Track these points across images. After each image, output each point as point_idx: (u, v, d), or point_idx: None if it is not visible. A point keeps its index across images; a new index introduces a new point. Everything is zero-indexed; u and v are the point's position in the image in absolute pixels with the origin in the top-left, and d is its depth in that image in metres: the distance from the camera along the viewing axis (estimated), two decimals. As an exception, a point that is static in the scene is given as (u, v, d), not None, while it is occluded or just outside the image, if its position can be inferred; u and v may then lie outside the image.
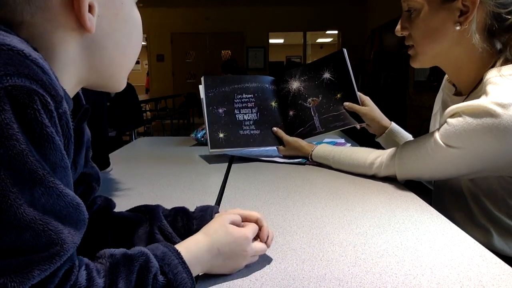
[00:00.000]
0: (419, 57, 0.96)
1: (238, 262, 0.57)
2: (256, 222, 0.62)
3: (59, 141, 0.39)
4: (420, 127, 4.39)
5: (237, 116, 1.36)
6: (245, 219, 0.62)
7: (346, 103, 1.28)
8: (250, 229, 0.59)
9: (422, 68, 1.00)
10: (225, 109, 1.36)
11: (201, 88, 1.37)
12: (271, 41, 9.79)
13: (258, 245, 0.59)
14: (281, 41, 12.38)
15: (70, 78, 0.48)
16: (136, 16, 0.55)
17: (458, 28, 0.87)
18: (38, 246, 0.36)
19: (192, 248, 0.53)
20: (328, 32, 10.05)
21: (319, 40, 12.77)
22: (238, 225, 0.60)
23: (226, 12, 8.98)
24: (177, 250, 0.50)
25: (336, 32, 9.63)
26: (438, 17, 0.89)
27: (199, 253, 0.53)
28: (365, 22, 8.62)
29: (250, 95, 1.39)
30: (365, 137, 1.33)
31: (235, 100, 1.38)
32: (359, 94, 1.29)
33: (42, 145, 0.37)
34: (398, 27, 0.97)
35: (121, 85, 0.57)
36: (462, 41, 0.88)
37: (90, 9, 0.47)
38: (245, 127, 1.35)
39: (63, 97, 0.41)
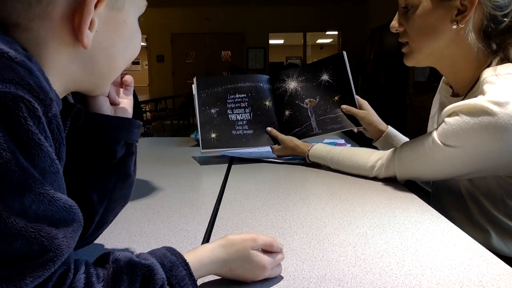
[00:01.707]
0: (414, 55, 0.96)
1: (245, 280, 0.56)
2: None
3: (48, 147, 0.38)
4: (420, 127, 4.39)
5: (230, 116, 1.35)
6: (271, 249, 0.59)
7: (343, 106, 1.28)
8: (271, 261, 0.56)
9: (421, 67, 0.99)
10: (217, 109, 1.35)
11: (194, 88, 1.37)
12: (271, 41, 9.79)
13: (273, 271, 0.57)
14: (281, 41, 12.38)
15: (58, 86, 0.47)
16: (136, 33, 0.54)
17: (454, 26, 0.87)
18: (31, 253, 0.36)
19: (205, 259, 0.52)
20: (328, 32, 10.05)
21: (319, 41, 12.77)
22: (267, 250, 0.57)
23: (226, 12, 8.99)
24: (186, 261, 0.49)
25: (336, 32, 9.64)
26: (435, 15, 0.89)
27: (209, 264, 0.52)
28: (365, 22, 8.63)
29: (243, 95, 1.38)
30: (365, 138, 1.33)
31: (227, 100, 1.37)
32: (357, 97, 1.29)
33: (30, 153, 0.37)
34: (394, 22, 0.97)
35: (107, 91, 0.57)
36: (458, 40, 0.88)
37: (90, 25, 0.45)
38: (238, 127, 1.34)
39: (52, 99, 0.40)
